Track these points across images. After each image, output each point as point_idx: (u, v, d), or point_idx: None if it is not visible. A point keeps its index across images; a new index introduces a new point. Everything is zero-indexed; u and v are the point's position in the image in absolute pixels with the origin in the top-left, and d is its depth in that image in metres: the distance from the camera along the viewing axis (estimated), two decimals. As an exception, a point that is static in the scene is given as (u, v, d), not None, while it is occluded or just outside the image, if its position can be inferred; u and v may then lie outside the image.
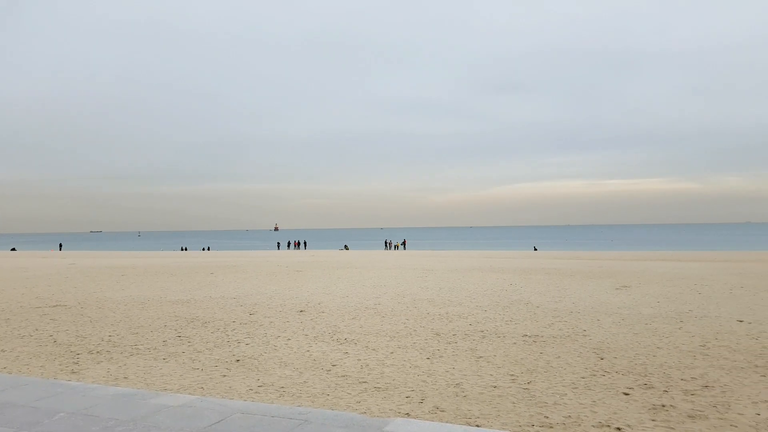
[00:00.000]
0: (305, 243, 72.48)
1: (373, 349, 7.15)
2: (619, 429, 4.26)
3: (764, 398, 4.94)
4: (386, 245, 64.48)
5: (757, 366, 6.10)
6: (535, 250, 53.81)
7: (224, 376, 5.96)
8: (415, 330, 8.50)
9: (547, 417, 4.55)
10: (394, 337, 7.97)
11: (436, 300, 11.98)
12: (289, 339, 7.90)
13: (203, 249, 67.62)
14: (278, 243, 73.96)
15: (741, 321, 8.99)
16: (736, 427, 4.24)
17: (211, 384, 5.64)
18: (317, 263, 26.82)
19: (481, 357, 6.69)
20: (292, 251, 55.49)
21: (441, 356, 6.74)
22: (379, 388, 5.42)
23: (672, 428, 4.26)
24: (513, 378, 5.75)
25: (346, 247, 63.64)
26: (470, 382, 5.61)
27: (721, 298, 11.81)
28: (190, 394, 5.17)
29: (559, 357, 6.67)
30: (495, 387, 5.42)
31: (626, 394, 5.17)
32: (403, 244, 65.29)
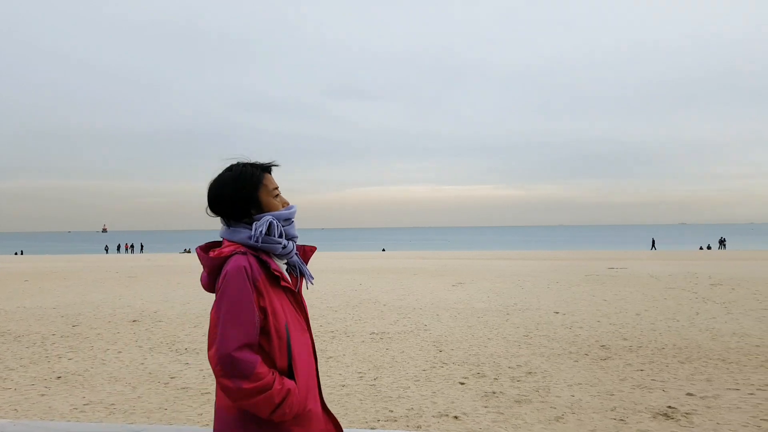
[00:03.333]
0: (141, 246, 67.15)
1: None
2: (456, 417, 4.55)
3: (578, 381, 5.62)
4: None
5: (570, 353, 6.93)
6: (384, 251, 55.69)
7: (42, 395, 5.26)
8: (262, 334, 8.27)
9: (392, 411, 4.71)
10: (240, 342, 7.68)
11: (285, 303, 11.80)
12: (120, 351, 7.22)
13: (16, 253, 59.20)
14: (107, 246, 67.40)
15: (557, 312, 10.16)
16: (555, 408, 4.77)
17: (26, 405, 4.93)
18: (154, 268, 24.94)
19: (330, 357, 6.73)
20: (125, 255, 50.98)
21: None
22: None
23: (502, 413, 4.65)
24: (361, 375, 5.86)
25: (187, 251, 60.11)
26: (321, 383, 5.60)
27: (540, 293, 13.26)
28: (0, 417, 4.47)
29: (403, 352, 6.95)
30: (344, 386, 5.48)
31: (462, 383, 5.55)
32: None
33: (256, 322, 1.66)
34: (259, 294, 1.69)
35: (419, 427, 4.35)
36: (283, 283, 1.78)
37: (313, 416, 1.80)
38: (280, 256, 1.83)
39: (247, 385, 1.61)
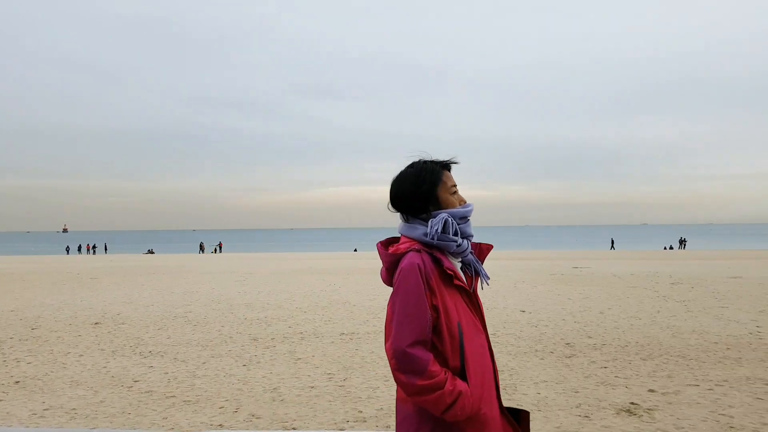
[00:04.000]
0: (105, 246, 65.54)
1: (183, 361, 6.69)
2: (426, 417, 4.57)
3: (544, 379, 5.72)
4: (202, 249, 61.16)
5: (536, 351, 7.04)
6: (356, 251, 55.58)
7: (0, 400, 5.07)
8: (230, 337, 8.16)
9: (361, 411, 4.70)
10: (207, 346, 7.56)
11: (255, 304, 11.68)
12: (81, 355, 7.02)
13: (-30, 255, 56.96)
14: (68, 247, 65.46)
15: (523, 311, 10.32)
16: (522, 406, 4.84)
17: (-22, 415, 4.74)
18: (116, 269, 24.34)
19: (299, 359, 6.68)
20: (86, 256, 49.62)
21: (258, 362, 6.57)
22: (189, 401, 5.08)
23: (470, 411, 4.69)
24: (330, 377, 5.83)
25: (151, 252, 58.88)
26: (288, 385, 5.56)
27: (507, 292, 13.44)
28: (-53, 430, 4.29)
29: (373, 352, 6.95)
30: (312, 387, 5.45)
31: (432, 383, 5.57)
32: (219, 247, 62.58)
33: (428, 319, 1.68)
34: (432, 292, 1.70)
35: (388, 426, 4.36)
36: (456, 282, 1.78)
37: (488, 421, 1.77)
38: (455, 254, 1.84)
39: (420, 382, 1.64)
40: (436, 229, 1.76)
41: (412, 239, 1.81)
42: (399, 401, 1.81)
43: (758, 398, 4.92)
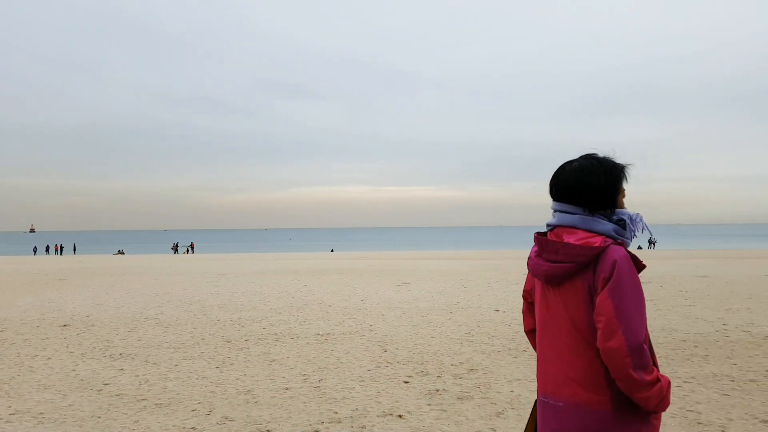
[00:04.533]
0: (74, 247, 64.02)
1: (154, 363, 6.58)
2: (400, 416, 4.59)
3: (517, 377, 5.79)
4: (174, 249, 60.18)
5: (510, 349, 7.12)
6: (332, 251, 55.36)
7: (-41, 409, 4.90)
8: (203, 338, 8.06)
9: (336, 412, 4.69)
10: (179, 348, 7.45)
11: (228, 305, 11.55)
12: (49, 358, 6.84)
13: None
14: (35, 247, 63.73)
15: (497, 310, 10.43)
16: (495, 404, 4.89)
17: (-61, 421, 4.59)
18: (86, 270, 23.80)
19: (274, 360, 6.63)
20: (54, 257, 48.38)
21: (232, 364, 6.50)
22: (161, 404, 5.00)
23: (444, 410, 4.73)
24: (305, 378, 5.80)
25: (121, 252, 57.71)
26: (262, 387, 5.51)
27: (481, 291, 13.56)
28: None
29: (348, 353, 6.94)
30: (287, 389, 5.41)
31: (406, 382, 5.60)
32: (191, 247, 61.70)
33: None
34: None
35: (364, 427, 4.36)
36: None
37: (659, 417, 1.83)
38: None
39: (648, 377, 1.66)
40: (642, 226, 1.90)
41: (597, 233, 1.81)
42: (585, 404, 1.73)
43: (725, 394, 5.06)
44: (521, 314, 9.77)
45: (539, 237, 1.93)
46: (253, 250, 65.19)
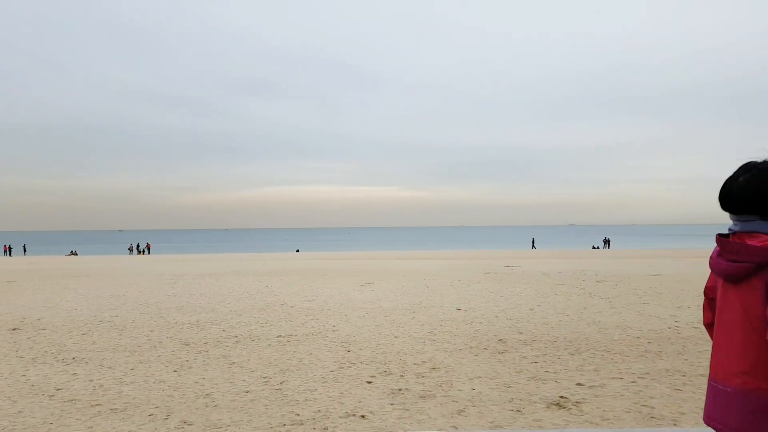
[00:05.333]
0: (24, 247, 61.54)
1: (109, 367, 6.38)
2: (363, 416, 4.58)
3: (478, 375, 5.86)
4: (131, 250, 58.49)
5: (471, 347, 7.20)
6: (298, 252, 54.87)
7: None
8: (160, 341, 7.85)
9: (298, 414, 4.65)
10: (135, 351, 7.24)
11: (186, 307, 11.30)
12: (-4, 364, 6.54)
13: None
14: None
15: (459, 309, 10.53)
16: (457, 402, 4.93)
17: None
18: (37, 272, 22.90)
19: (234, 363, 6.51)
20: (3, 258, 46.39)
21: (190, 367, 6.36)
22: (116, 409, 4.85)
23: (407, 409, 4.74)
24: (266, 380, 5.72)
25: (74, 253, 55.78)
26: (222, 390, 5.41)
27: (444, 290, 13.68)
28: None
29: (311, 354, 6.88)
30: (247, 392, 5.32)
31: (369, 382, 5.59)
32: (148, 248, 60.14)
33: None
34: None
35: (326, 428, 4.32)
36: None
37: None
38: None
39: None
40: None
41: None
42: (753, 391, 1.93)
43: (677, 389, 5.24)
44: (482, 313, 9.96)
45: (721, 239, 2.10)
46: (213, 250, 64.02)
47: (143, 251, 58.13)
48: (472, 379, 5.67)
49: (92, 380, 5.79)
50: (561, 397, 5.04)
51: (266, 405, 4.91)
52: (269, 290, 14.31)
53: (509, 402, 4.91)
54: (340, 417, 4.57)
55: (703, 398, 4.92)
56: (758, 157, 2.13)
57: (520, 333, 8.10)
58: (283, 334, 8.21)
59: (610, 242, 60.02)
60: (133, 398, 5.16)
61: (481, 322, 9.03)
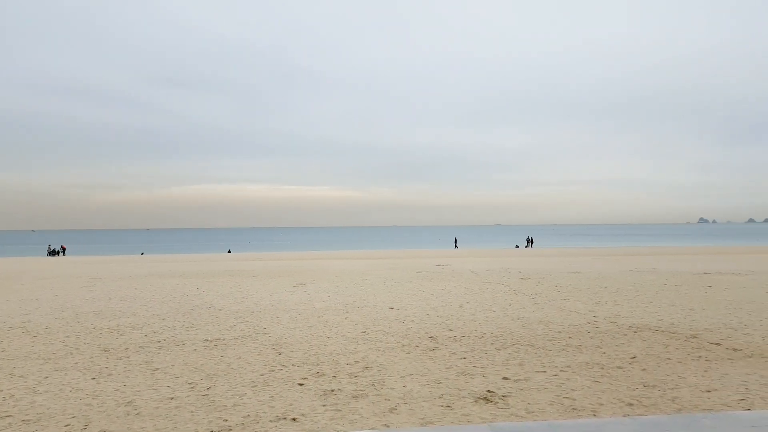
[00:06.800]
0: None
1: (21, 376, 5.94)
2: (294, 419, 4.52)
3: (409, 372, 5.93)
4: (54, 252, 54.74)
5: (403, 345, 7.29)
6: (230, 252, 53.29)
7: None
8: (77, 348, 7.41)
9: (227, 420, 4.52)
10: (50, 359, 6.79)
11: (105, 312, 10.72)
12: None
13: None
14: None
15: (392, 308, 10.63)
16: (389, 400, 4.98)
17: None
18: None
19: (157, 369, 6.24)
20: None
21: (110, 374, 6.04)
22: (29, 420, 4.52)
23: (339, 410, 4.73)
24: (192, 386, 5.53)
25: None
26: (144, 397, 5.17)
27: (377, 290, 13.76)
28: None
29: (240, 358, 6.71)
30: (172, 398, 5.12)
31: (301, 384, 5.53)
32: (62, 249, 56.58)
33: None
34: None
35: (256, 432, 4.23)
36: None
37: None
38: None
39: None
40: None
41: None
42: None
43: (596, 381, 5.54)
44: (414, 311, 10.10)
45: None
46: (135, 252, 61.15)
47: (58, 252, 54.62)
48: (404, 376, 5.74)
49: (2, 390, 5.37)
50: (488, 391, 5.20)
51: (192, 411, 4.75)
52: (195, 293, 13.85)
53: (439, 398, 5.01)
54: (271, 421, 4.49)
55: (621, 388, 5.23)
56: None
57: (450, 330, 8.28)
58: (210, 338, 7.96)
59: (533, 241, 62.53)
60: (48, 408, 4.83)
61: (413, 321, 9.15)
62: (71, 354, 7.04)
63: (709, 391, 5.12)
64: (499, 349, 6.98)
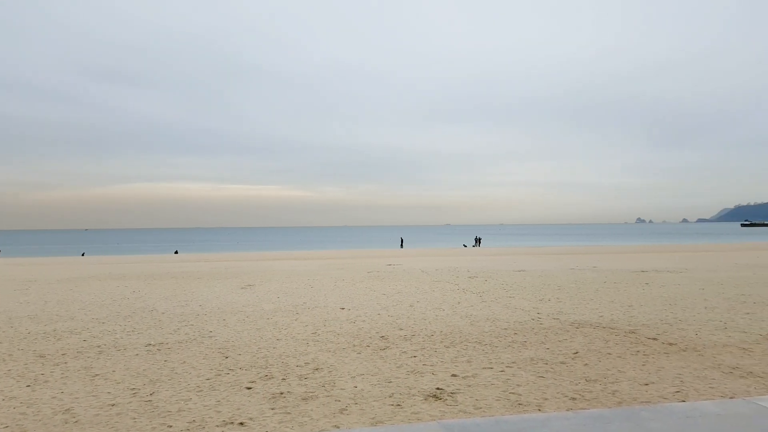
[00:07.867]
0: None
1: (-57, 387, 5.56)
2: (242, 424, 4.43)
3: (360, 372, 5.92)
4: None
5: (354, 345, 7.27)
6: (176, 253, 51.64)
7: None
8: (11, 354, 7.00)
9: (171, 426, 4.38)
10: (-23, 366, 6.38)
11: (41, 316, 10.18)
12: None
13: None
14: None
15: (343, 308, 10.59)
16: (339, 401, 4.95)
17: None
18: None
19: (97, 375, 5.98)
20: None
21: (46, 381, 5.74)
22: (-48, 435, 4.24)
23: (289, 413, 4.67)
24: (134, 392, 5.33)
25: None
26: (83, 404, 4.94)
27: (328, 290, 13.68)
28: None
29: (184, 362, 6.52)
30: (113, 405, 4.92)
31: (249, 388, 5.42)
32: (-7, 250, 53.34)
33: None
34: None
35: (202, 438, 4.12)
36: None
37: None
38: None
39: None
40: None
41: None
42: None
43: (540, 376, 5.70)
44: (365, 311, 10.10)
45: None
46: (72, 253, 58.43)
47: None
48: (354, 377, 5.72)
49: None
50: (438, 388, 5.26)
51: (134, 418, 4.57)
52: (136, 296, 13.36)
53: (390, 397, 5.02)
54: (217, 426, 4.38)
55: (564, 383, 5.40)
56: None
57: (401, 329, 8.33)
58: (152, 343, 7.70)
59: (481, 241, 63.80)
60: (-26, 422, 4.54)
61: (364, 320, 9.15)
62: (4, 361, 6.65)
63: (647, 384, 5.36)
64: (448, 347, 7.07)
